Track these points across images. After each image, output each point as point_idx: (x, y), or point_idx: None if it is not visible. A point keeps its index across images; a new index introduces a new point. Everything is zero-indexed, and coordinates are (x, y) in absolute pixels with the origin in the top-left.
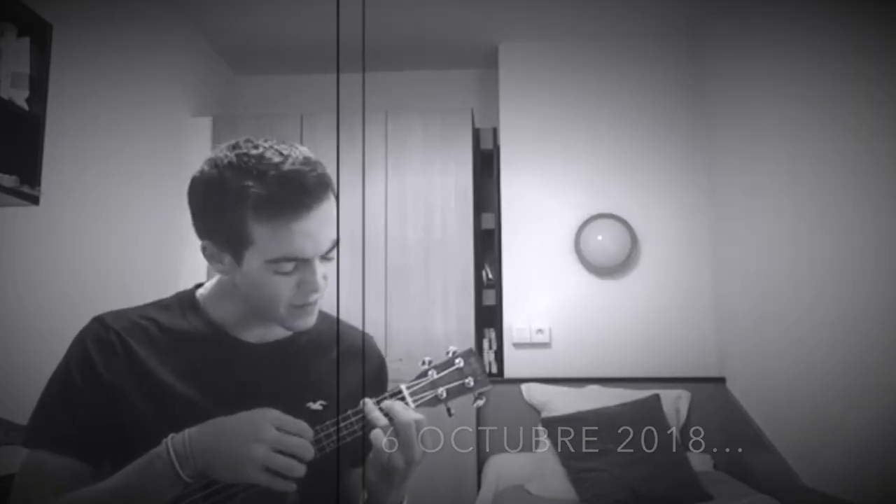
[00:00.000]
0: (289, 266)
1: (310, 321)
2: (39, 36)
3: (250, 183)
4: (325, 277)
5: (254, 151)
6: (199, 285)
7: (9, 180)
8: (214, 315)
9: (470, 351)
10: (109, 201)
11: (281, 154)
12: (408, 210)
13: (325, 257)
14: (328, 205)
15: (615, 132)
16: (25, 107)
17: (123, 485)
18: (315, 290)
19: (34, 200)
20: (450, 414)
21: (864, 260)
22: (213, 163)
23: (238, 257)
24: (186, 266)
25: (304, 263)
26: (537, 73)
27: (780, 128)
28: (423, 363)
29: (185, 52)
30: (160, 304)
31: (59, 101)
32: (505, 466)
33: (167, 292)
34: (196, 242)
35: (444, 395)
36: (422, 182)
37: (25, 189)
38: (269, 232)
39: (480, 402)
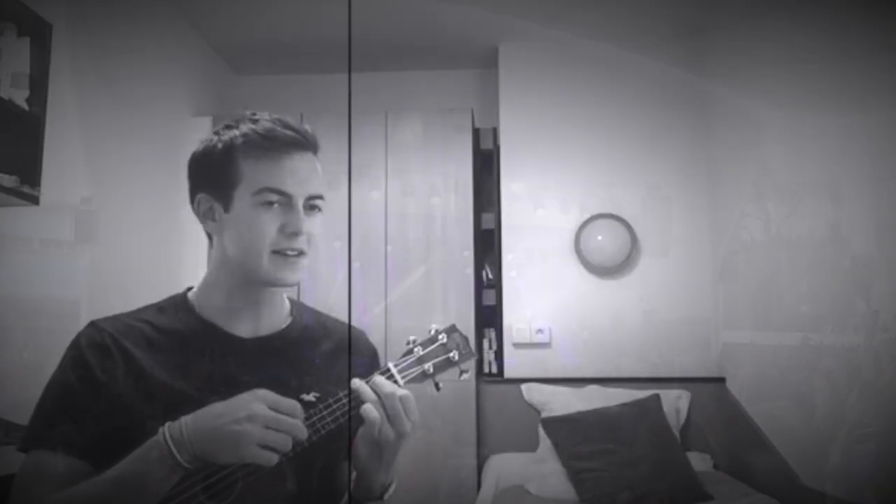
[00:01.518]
0: (273, 196)
1: (294, 277)
2: (39, 36)
3: (244, 127)
4: (310, 234)
5: (248, 113)
6: (190, 288)
7: (9, 180)
8: (206, 313)
9: (452, 327)
10: (109, 202)
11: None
12: (408, 210)
13: (309, 205)
14: (313, 158)
15: (615, 132)
16: (25, 107)
17: (122, 474)
18: (297, 231)
19: (34, 200)
20: (437, 388)
21: (864, 259)
22: (213, 132)
23: (228, 201)
24: (186, 267)
25: (287, 202)
26: (537, 72)
27: (780, 129)
28: (409, 342)
29: (186, 52)
30: (154, 307)
31: (60, 102)
32: (505, 466)
33: (167, 293)
34: (194, 242)
35: (431, 370)
36: (422, 182)
37: (25, 189)
38: (255, 165)
39: (466, 376)
